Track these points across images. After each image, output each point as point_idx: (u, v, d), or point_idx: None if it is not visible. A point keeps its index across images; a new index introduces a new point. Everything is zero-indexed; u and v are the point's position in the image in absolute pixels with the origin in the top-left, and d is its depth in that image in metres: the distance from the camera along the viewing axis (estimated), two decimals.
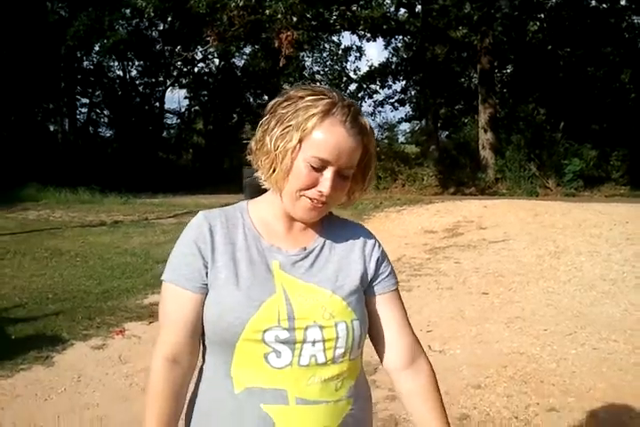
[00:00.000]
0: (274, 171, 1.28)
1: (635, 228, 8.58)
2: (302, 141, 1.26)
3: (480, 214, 10.20)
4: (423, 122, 25.35)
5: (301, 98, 1.29)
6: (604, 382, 3.89)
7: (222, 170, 22.06)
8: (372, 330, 1.40)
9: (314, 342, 1.27)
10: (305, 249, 1.36)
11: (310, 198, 1.28)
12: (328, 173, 1.27)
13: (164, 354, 1.30)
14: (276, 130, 1.27)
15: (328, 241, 1.39)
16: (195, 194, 15.50)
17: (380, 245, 1.45)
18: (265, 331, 1.25)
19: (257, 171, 1.35)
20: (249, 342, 1.25)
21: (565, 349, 4.49)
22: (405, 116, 27.24)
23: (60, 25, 20.69)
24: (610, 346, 4.52)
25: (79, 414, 3.65)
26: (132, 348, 4.76)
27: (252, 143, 1.34)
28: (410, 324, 1.44)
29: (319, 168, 1.27)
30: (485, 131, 17.20)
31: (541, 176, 15.20)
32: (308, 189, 1.28)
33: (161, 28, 25.80)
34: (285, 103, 1.30)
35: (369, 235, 1.46)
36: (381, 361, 1.43)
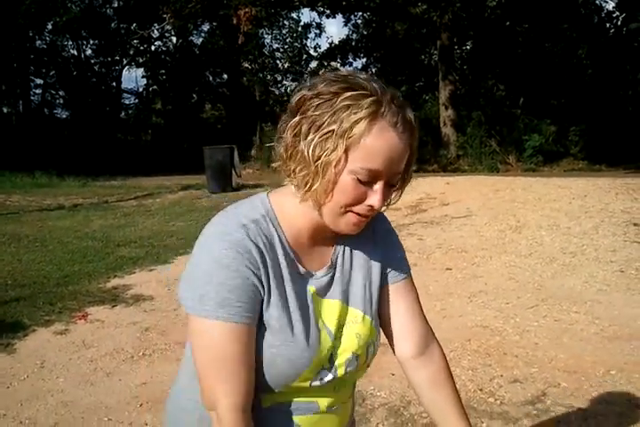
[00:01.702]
0: (312, 184, 1.08)
1: (593, 201, 8.75)
2: (348, 151, 1.05)
3: (442, 191, 10.29)
4: None
5: (336, 94, 1.06)
6: (566, 353, 3.98)
7: (182, 150, 21.77)
8: (384, 319, 1.32)
9: (348, 367, 1.22)
10: (331, 265, 1.22)
11: (358, 213, 1.12)
12: (378, 186, 1.09)
13: (237, 407, 1.09)
14: (312, 136, 1.06)
15: (346, 244, 1.25)
16: (155, 175, 15.28)
17: (393, 231, 1.34)
18: (314, 377, 1.17)
19: (287, 180, 1.14)
20: (294, 385, 1.16)
21: (528, 321, 4.57)
22: None
23: (10, 3, 20.02)
24: (571, 317, 4.62)
25: (43, 401, 3.59)
26: (96, 332, 4.69)
27: (281, 149, 1.11)
28: (423, 311, 1.36)
29: (368, 181, 1.08)
30: (446, 108, 17.28)
31: (502, 152, 15.36)
32: (355, 204, 1.10)
33: (115, 5, 25.21)
34: (317, 101, 1.07)
35: (381, 221, 1.32)
36: (393, 351, 1.36)
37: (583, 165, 15.20)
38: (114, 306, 5.28)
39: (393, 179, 1.11)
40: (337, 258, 1.23)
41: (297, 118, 1.08)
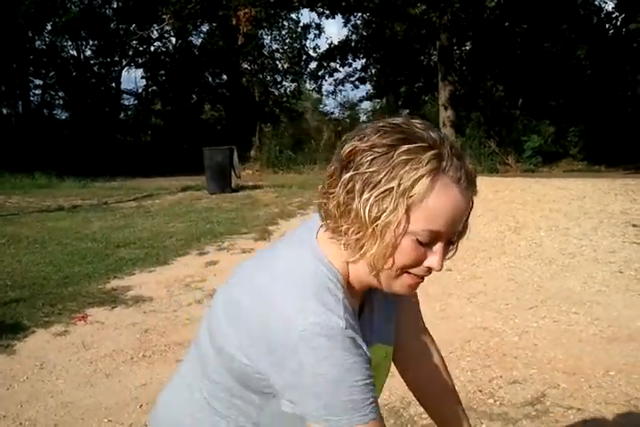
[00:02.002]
0: (368, 248, 0.99)
1: (592, 202, 8.77)
2: (409, 211, 0.96)
3: None
4: (384, 100, 25.36)
5: (392, 147, 0.97)
6: (565, 354, 3.98)
7: (182, 151, 21.77)
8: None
9: None
10: (362, 309, 1.15)
11: (415, 275, 1.03)
12: (438, 247, 1.01)
13: None
14: (367, 195, 0.96)
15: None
16: (154, 176, 15.29)
17: None
18: None
19: (336, 237, 1.03)
20: None
21: (527, 322, 4.58)
22: (366, 94, 27.18)
23: (9, 3, 20.01)
24: (570, 318, 4.63)
25: (42, 402, 3.59)
26: (95, 333, 4.69)
27: (331, 206, 1.01)
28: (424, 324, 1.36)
29: (428, 242, 1.00)
30: (445, 108, 17.28)
31: (501, 153, 15.37)
32: (414, 266, 1.02)
33: (115, 5, 25.19)
34: (371, 154, 0.98)
35: None
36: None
37: (582, 165, 15.22)
38: (113, 307, 5.28)
39: (453, 237, 1.04)
40: (365, 297, 1.15)
41: (349, 174, 0.98)
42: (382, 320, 1.19)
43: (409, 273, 1.02)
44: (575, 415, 3.26)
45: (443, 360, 1.41)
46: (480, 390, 3.58)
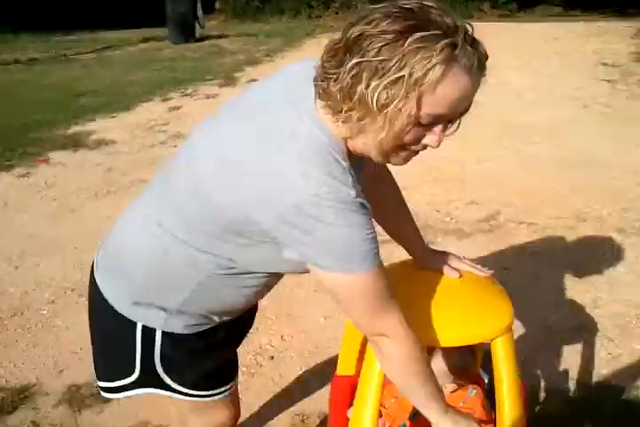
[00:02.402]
0: (377, 134, 0.99)
1: (565, 44, 8.64)
2: (420, 99, 0.95)
3: None
4: None
5: (403, 34, 0.92)
6: (523, 177, 4.07)
7: (142, 1, 20.52)
8: None
9: None
10: None
11: (412, 151, 1.06)
12: (439, 127, 1.01)
13: (415, 339, 1.15)
14: (375, 82, 0.93)
15: None
16: (115, 29, 14.51)
17: None
18: None
19: (335, 115, 1.01)
20: None
21: (490, 151, 4.63)
22: None
23: None
24: (532, 148, 4.67)
25: (9, 234, 3.65)
26: (59, 174, 4.67)
27: (333, 88, 0.98)
28: None
29: (430, 124, 1.00)
30: None
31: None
32: (412, 145, 1.03)
33: None
34: (379, 42, 0.93)
35: None
36: None
37: (559, 10, 14.72)
38: (76, 150, 5.22)
39: (455, 118, 1.05)
40: None
41: (355, 60, 0.94)
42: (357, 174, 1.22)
43: (406, 149, 1.04)
44: (526, 229, 3.39)
45: (395, 183, 1.45)
46: (438, 211, 3.68)
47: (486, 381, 1.65)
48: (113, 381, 1.33)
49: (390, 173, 1.44)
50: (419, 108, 0.95)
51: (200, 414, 1.43)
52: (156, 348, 1.25)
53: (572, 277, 2.85)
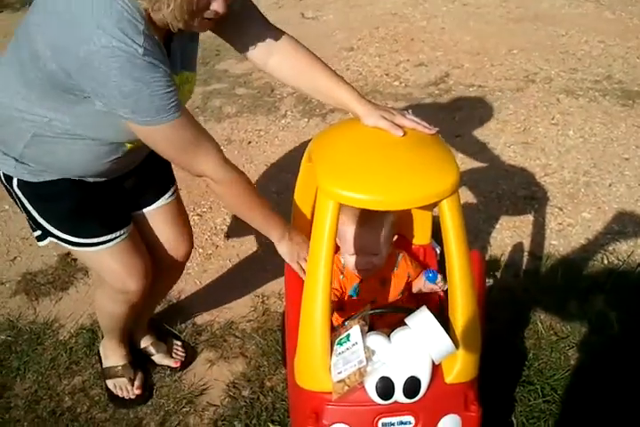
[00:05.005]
0: (165, 3, 1.12)
1: None
2: None
3: None
4: None
5: None
6: (471, 35, 3.94)
7: None
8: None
9: None
10: (171, 41, 1.32)
11: (207, 18, 1.19)
12: None
13: (224, 158, 1.33)
14: None
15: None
16: None
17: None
18: None
19: None
20: None
21: (436, 7, 4.41)
22: None
23: None
24: (479, 2, 4.47)
25: None
26: None
27: None
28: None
29: None
30: None
31: None
32: (203, 11, 1.16)
33: None
34: None
35: None
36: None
37: None
38: None
39: None
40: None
41: None
42: (185, 46, 1.34)
43: (199, 16, 1.16)
44: (476, 92, 3.34)
45: (301, 45, 1.42)
46: (387, 74, 3.57)
47: (438, 251, 1.69)
48: (33, 230, 1.54)
49: (301, 48, 1.42)
50: None
51: (101, 273, 1.59)
52: (19, 194, 1.43)
53: (522, 143, 2.87)
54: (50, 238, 1.51)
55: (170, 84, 1.18)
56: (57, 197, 1.44)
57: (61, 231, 1.48)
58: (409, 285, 1.56)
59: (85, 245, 1.49)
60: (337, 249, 1.45)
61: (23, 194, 1.43)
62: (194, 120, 1.28)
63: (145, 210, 1.62)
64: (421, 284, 1.53)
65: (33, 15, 1.21)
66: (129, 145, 1.36)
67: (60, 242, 1.50)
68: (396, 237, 1.50)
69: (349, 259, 1.45)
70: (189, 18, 1.15)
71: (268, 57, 1.40)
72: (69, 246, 1.51)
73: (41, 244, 1.56)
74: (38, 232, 1.52)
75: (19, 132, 1.33)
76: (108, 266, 1.54)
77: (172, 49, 1.29)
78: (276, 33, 1.40)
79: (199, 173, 1.33)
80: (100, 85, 1.14)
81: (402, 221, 1.59)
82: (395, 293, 1.53)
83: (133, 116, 1.18)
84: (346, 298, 1.52)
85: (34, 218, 1.47)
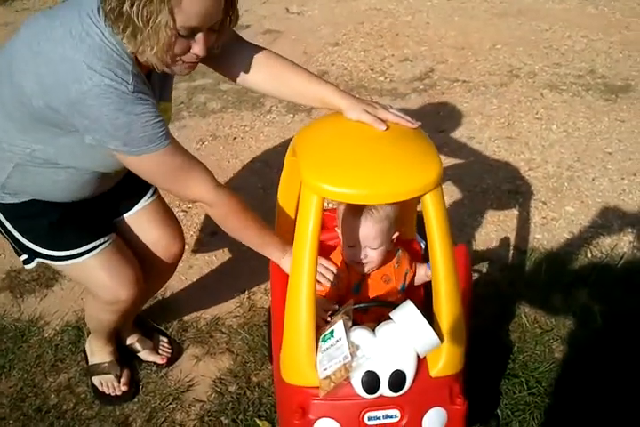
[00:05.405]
0: (151, 47, 1.15)
1: None
2: (172, 12, 1.10)
3: None
4: None
5: None
6: (455, 30, 3.95)
7: None
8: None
9: None
10: (151, 75, 1.35)
11: (188, 62, 1.23)
12: (200, 36, 1.18)
13: (216, 183, 1.34)
14: (137, 1, 1.08)
15: None
16: None
17: None
18: None
19: (118, 33, 1.16)
20: None
21: (420, 2, 4.41)
22: None
23: None
24: None
25: None
26: None
27: (107, 8, 1.13)
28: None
29: (188, 35, 1.17)
30: None
31: None
32: (183, 55, 1.20)
33: None
34: None
35: None
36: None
37: None
38: None
39: (214, 26, 1.20)
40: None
41: None
42: (164, 79, 1.39)
43: (181, 60, 1.21)
44: (460, 87, 3.35)
45: (274, 54, 1.42)
46: (372, 69, 3.57)
47: (423, 246, 1.70)
48: (19, 255, 1.55)
49: (274, 56, 1.42)
50: (174, 20, 1.11)
51: (91, 287, 1.58)
52: (1, 218, 1.46)
53: (506, 137, 2.89)
54: (37, 259, 1.52)
55: (158, 114, 1.22)
56: (38, 214, 1.45)
57: (45, 248, 1.49)
58: (410, 279, 1.56)
59: (71, 258, 1.49)
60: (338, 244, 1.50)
61: (5, 216, 1.46)
62: (182, 147, 1.30)
63: (127, 215, 1.62)
64: (422, 274, 1.54)
65: (16, 52, 1.22)
66: (114, 171, 1.38)
67: (46, 260, 1.52)
68: (397, 233, 1.48)
69: (348, 251, 1.45)
70: (171, 61, 1.20)
71: (244, 73, 1.41)
72: (57, 263, 1.51)
73: (28, 267, 1.57)
74: (24, 256, 1.53)
75: (0, 162, 1.35)
76: (97, 278, 1.53)
77: (152, 81, 1.33)
78: (248, 48, 1.41)
79: (192, 199, 1.36)
80: (92, 122, 1.17)
81: None
82: (398, 289, 1.53)
83: (125, 149, 1.21)
84: (349, 295, 1.51)
85: (17, 240, 1.49)
